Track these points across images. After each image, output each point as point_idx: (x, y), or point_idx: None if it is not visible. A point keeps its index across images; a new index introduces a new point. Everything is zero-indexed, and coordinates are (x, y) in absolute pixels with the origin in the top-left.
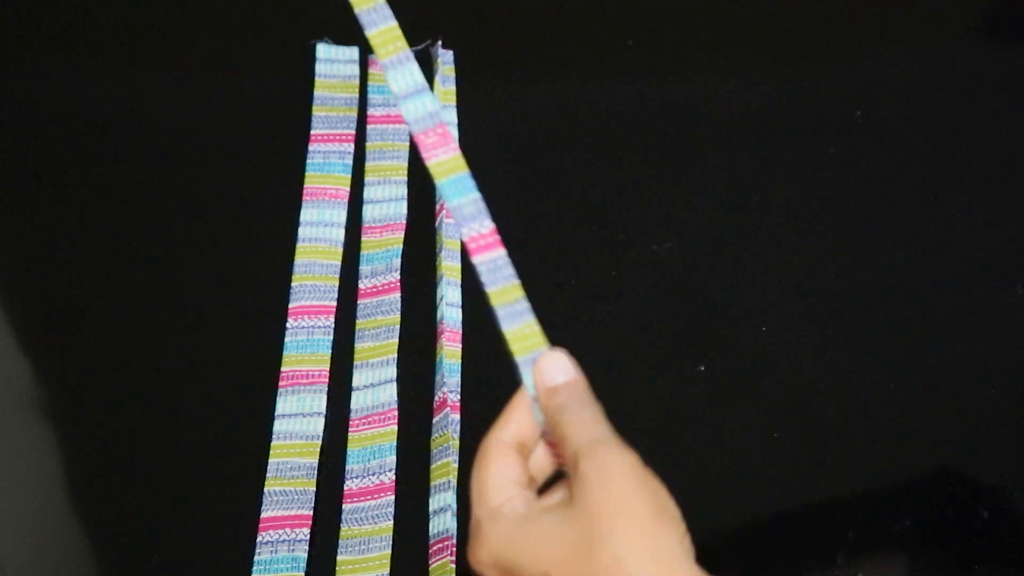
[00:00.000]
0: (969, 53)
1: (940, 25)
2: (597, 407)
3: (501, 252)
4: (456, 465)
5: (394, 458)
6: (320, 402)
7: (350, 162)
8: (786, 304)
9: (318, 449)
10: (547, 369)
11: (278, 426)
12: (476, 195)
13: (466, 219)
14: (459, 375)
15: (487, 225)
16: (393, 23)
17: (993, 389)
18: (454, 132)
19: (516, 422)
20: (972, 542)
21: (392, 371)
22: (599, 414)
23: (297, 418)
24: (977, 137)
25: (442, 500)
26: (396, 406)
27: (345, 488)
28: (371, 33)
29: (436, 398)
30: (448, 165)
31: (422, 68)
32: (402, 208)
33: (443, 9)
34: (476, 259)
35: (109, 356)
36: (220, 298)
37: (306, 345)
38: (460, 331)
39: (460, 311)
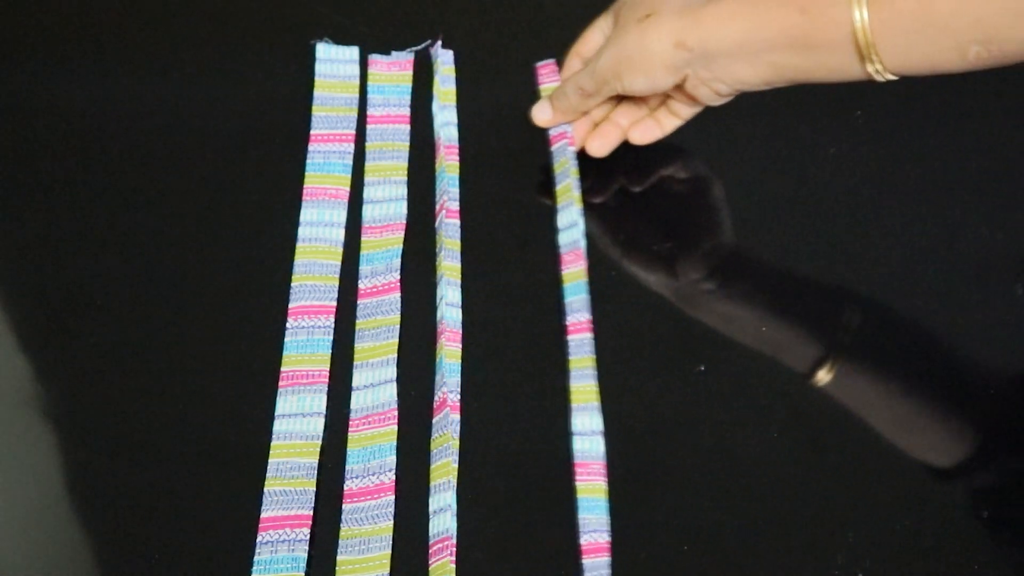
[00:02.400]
0: None
1: None
2: None
3: (589, 336)
4: (456, 465)
5: (394, 458)
6: (320, 402)
7: (350, 162)
8: (786, 304)
9: (318, 449)
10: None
11: (278, 426)
12: (585, 296)
13: (574, 311)
14: (459, 375)
15: (586, 316)
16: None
17: (992, 389)
18: (454, 132)
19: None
20: (972, 542)
21: (392, 371)
22: None
23: (297, 418)
24: (977, 137)
25: (442, 500)
26: (396, 406)
27: (345, 488)
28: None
29: (436, 398)
30: (576, 274)
31: (422, 68)
32: (402, 208)
33: (443, 9)
34: (570, 337)
35: (109, 356)
36: (220, 298)
37: (306, 345)
38: (460, 331)
39: (460, 311)
